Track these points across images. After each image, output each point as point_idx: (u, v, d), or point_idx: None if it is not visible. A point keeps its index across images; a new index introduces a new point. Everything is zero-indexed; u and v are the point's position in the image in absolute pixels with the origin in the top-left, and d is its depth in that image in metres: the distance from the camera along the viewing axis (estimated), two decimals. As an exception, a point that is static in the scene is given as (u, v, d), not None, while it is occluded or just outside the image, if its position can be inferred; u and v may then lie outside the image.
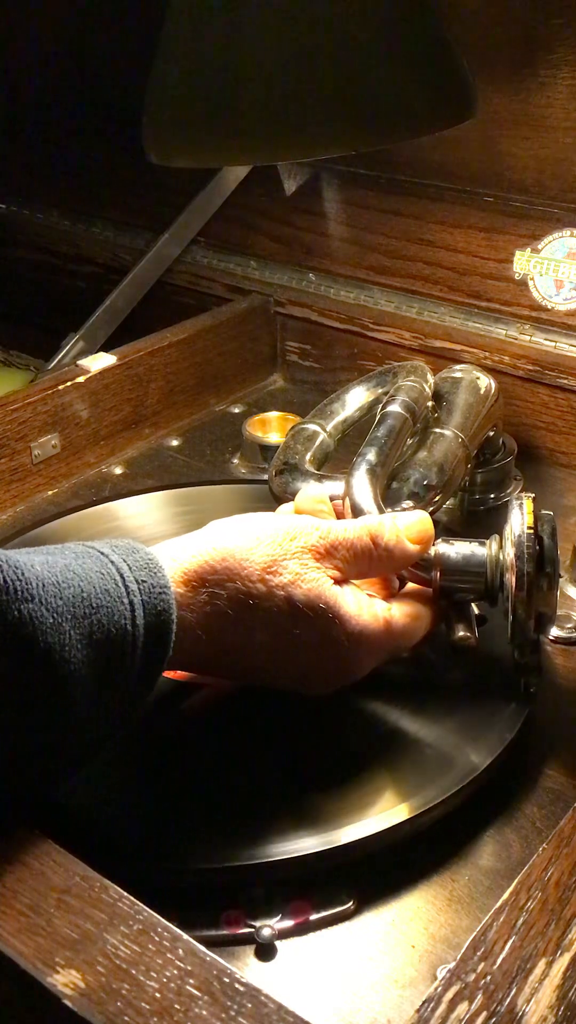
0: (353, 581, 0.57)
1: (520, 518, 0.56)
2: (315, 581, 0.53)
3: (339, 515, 0.63)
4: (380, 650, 0.56)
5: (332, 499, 0.65)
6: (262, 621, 0.52)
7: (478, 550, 0.58)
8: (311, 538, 0.55)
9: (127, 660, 0.46)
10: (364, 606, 0.55)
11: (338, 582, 0.55)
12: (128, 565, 0.48)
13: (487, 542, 0.59)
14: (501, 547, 0.58)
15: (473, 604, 0.60)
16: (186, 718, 0.58)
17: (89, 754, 0.48)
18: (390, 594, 0.60)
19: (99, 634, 0.45)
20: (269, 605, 0.52)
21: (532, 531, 0.56)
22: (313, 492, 0.63)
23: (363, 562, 0.57)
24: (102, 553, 0.48)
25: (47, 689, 0.44)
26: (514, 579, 0.55)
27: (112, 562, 0.48)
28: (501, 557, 0.58)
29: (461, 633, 0.58)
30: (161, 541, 0.54)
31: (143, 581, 0.48)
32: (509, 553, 0.56)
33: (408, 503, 0.66)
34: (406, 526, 0.57)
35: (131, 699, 0.48)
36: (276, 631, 0.53)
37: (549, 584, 0.56)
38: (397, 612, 0.57)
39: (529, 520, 0.56)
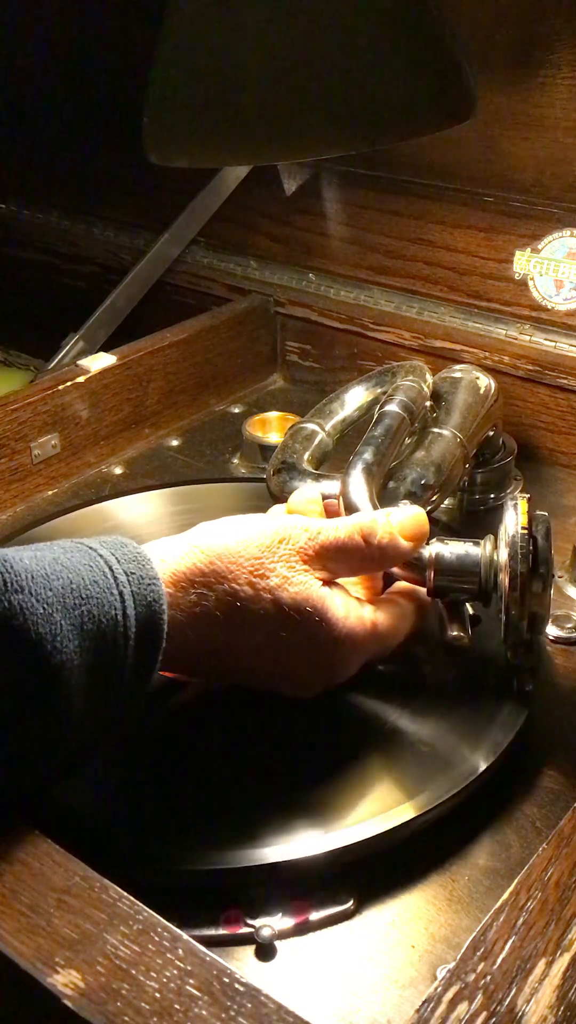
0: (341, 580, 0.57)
1: (514, 518, 0.56)
2: (302, 584, 0.53)
3: (333, 515, 0.63)
4: (366, 653, 0.57)
5: (328, 498, 0.65)
6: (250, 623, 0.52)
7: (472, 550, 0.58)
8: (299, 540, 0.55)
9: (120, 650, 0.46)
10: (352, 609, 0.55)
11: (327, 583, 0.55)
12: (116, 558, 0.48)
13: (482, 542, 0.59)
14: (495, 547, 0.58)
15: (468, 604, 0.60)
16: (185, 718, 0.58)
17: (87, 752, 0.48)
18: (375, 590, 0.61)
19: (90, 624, 0.45)
20: (256, 608, 0.52)
21: (526, 531, 0.56)
22: (307, 494, 0.63)
23: (354, 561, 0.57)
24: (91, 548, 0.49)
25: (40, 680, 0.44)
26: (507, 579, 0.55)
27: (101, 555, 0.48)
28: (495, 557, 0.58)
29: (454, 633, 0.58)
30: (161, 540, 0.54)
31: (132, 573, 0.48)
32: (503, 553, 0.56)
33: (405, 502, 0.66)
34: (400, 523, 0.57)
35: (127, 693, 0.47)
36: (264, 633, 0.53)
37: (543, 585, 0.55)
38: (383, 614, 0.57)
39: (523, 520, 0.56)
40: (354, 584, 0.60)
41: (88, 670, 0.45)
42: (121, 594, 0.47)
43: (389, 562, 0.58)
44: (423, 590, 0.60)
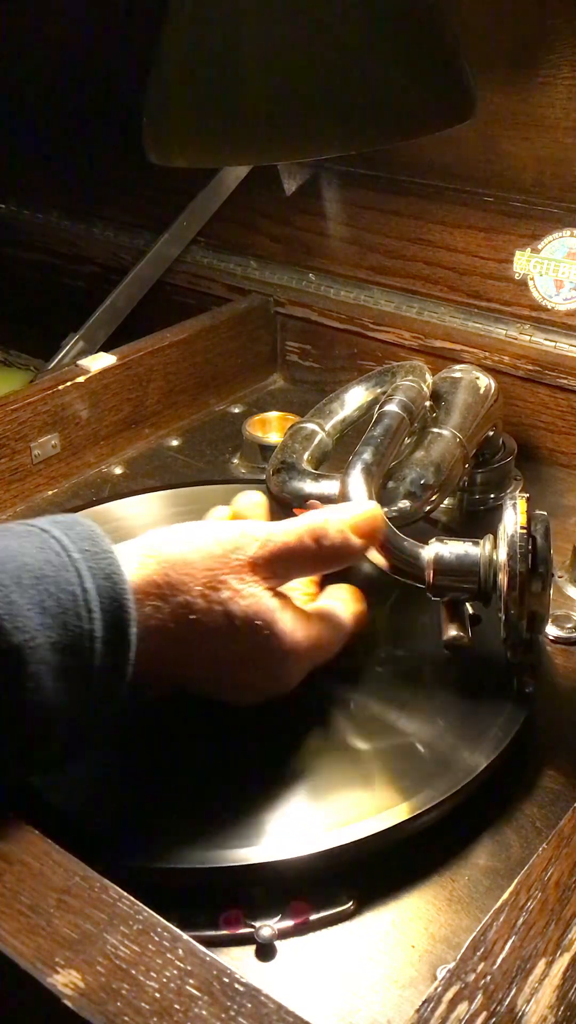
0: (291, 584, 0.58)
1: (513, 518, 0.56)
2: (253, 597, 0.53)
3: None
4: (309, 664, 0.57)
5: (325, 499, 0.65)
6: (201, 636, 0.52)
7: (472, 550, 0.58)
8: (250, 549, 0.54)
9: (84, 623, 0.46)
10: (298, 622, 0.55)
11: (276, 593, 0.55)
12: (69, 537, 0.48)
13: (481, 542, 0.59)
14: (495, 547, 0.58)
15: (468, 604, 0.60)
16: (183, 717, 0.58)
17: (76, 745, 0.48)
18: (315, 596, 0.61)
19: (49, 601, 0.45)
20: (208, 620, 0.52)
21: (525, 531, 0.56)
22: (252, 498, 0.63)
23: (306, 564, 0.57)
24: (43, 529, 0.48)
25: (5, 661, 0.43)
26: (506, 579, 0.55)
27: (54, 536, 0.48)
28: (494, 557, 0.58)
29: (453, 633, 0.58)
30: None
31: (86, 550, 0.48)
32: (502, 553, 0.56)
33: (404, 502, 0.66)
34: (352, 520, 0.57)
35: (104, 675, 0.47)
36: (214, 646, 0.53)
37: (542, 584, 0.56)
38: (325, 626, 0.57)
39: (522, 520, 0.56)
40: (293, 590, 0.60)
41: (55, 648, 0.45)
42: (78, 570, 0.47)
43: (342, 562, 0.58)
44: (359, 600, 0.61)
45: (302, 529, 0.56)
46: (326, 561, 0.57)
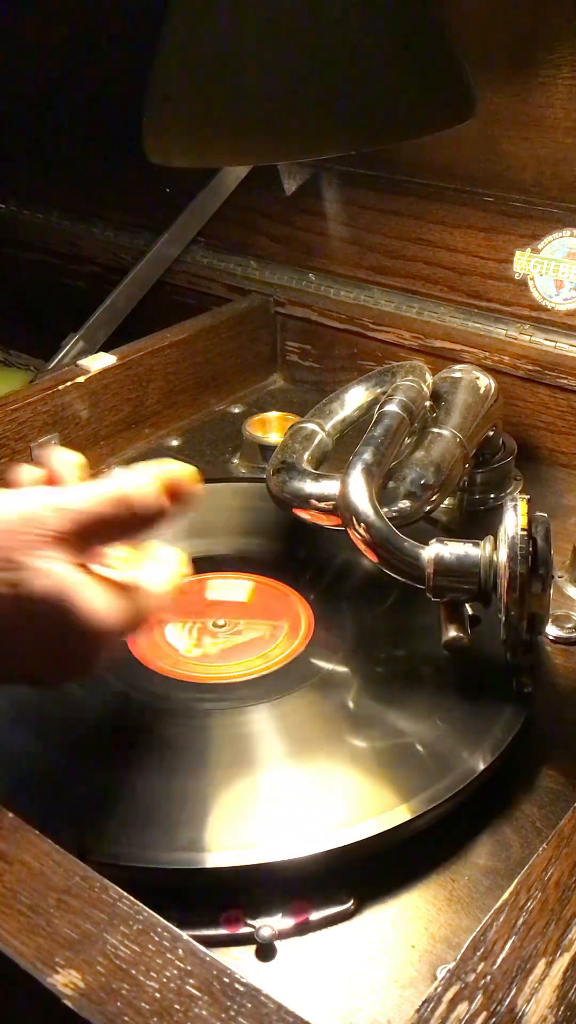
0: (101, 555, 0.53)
1: (514, 519, 0.56)
2: (54, 574, 0.48)
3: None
4: (117, 640, 0.51)
5: (326, 499, 0.65)
6: None
7: (472, 551, 0.58)
8: (50, 521, 0.48)
9: None
10: (105, 597, 0.50)
11: (81, 565, 0.50)
12: None
13: (481, 543, 0.59)
14: (495, 548, 0.58)
15: (467, 604, 0.60)
16: (182, 716, 0.58)
17: None
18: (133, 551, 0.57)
19: None
20: (2, 604, 0.47)
21: (525, 532, 0.56)
22: (64, 455, 0.58)
23: (113, 533, 0.52)
24: None
25: None
26: (507, 580, 0.55)
27: None
28: (495, 558, 0.58)
29: (453, 634, 0.58)
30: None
31: None
32: (502, 554, 0.56)
33: (404, 502, 0.66)
34: (160, 479, 0.52)
35: None
36: (10, 630, 0.48)
37: (542, 586, 0.56)
38: (137, 599, 0.51)
39: (523, 521, 0.56)
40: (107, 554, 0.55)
41: None
42: None
43: (152, 526, 0.52)
44: (178, 563, 0.56)
45: (107, 496, 0.50)
46: (135, 527, 0.52)
